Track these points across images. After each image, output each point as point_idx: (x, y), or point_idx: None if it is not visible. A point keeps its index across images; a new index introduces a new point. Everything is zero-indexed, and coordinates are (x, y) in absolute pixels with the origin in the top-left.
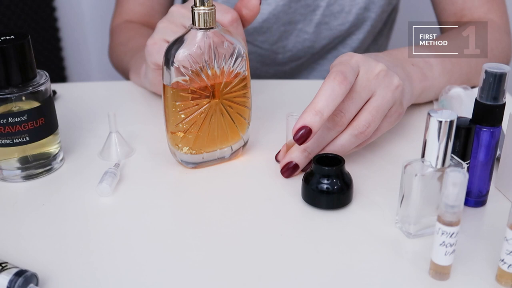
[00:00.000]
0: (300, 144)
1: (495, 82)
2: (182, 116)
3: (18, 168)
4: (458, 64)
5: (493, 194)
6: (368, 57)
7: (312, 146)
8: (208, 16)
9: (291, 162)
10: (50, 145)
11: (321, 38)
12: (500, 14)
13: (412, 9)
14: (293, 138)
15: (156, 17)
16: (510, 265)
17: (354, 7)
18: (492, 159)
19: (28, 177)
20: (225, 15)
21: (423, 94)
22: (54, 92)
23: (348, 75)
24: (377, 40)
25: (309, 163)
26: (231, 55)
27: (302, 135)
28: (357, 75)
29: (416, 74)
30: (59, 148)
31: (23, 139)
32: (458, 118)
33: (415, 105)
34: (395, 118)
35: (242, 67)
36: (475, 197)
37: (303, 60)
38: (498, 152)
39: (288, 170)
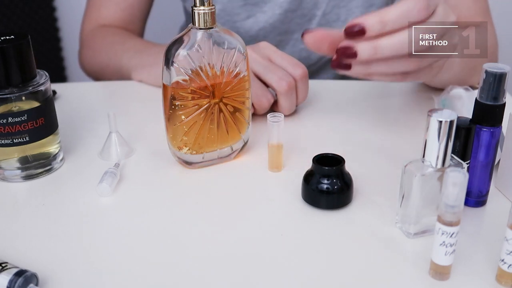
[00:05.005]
0: (346, 38)
1: (495, 82)
2: (182, 116)
3: (18, 168)
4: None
5: (493, 194)
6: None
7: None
8: (208, 16)
9: (352, 48)
10: (50, 145)
11: None
12: (483, 16)
13: None
14: (345, 29)
15: (136, 24)
16: (510, 265)
17: (350, 16)
18: (492, 159)
19: (28, 177)
20: (296, 69)
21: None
22: (54, 92)
23: (429, 8)
24: None
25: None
26: (231, 55)
27: (355, 31)
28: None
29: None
30: (59, 148)
31: (23, 139)
32: (458, 118)
33: (415, 105)
34: (436, 71)
35: (242, 67)
36: (475, 197)
37: None
38: (498, 156)
39: (345, 55)
